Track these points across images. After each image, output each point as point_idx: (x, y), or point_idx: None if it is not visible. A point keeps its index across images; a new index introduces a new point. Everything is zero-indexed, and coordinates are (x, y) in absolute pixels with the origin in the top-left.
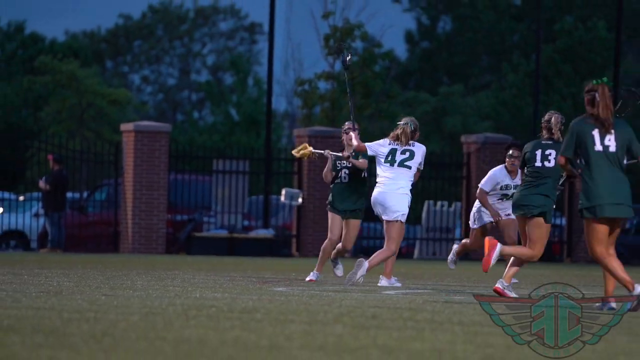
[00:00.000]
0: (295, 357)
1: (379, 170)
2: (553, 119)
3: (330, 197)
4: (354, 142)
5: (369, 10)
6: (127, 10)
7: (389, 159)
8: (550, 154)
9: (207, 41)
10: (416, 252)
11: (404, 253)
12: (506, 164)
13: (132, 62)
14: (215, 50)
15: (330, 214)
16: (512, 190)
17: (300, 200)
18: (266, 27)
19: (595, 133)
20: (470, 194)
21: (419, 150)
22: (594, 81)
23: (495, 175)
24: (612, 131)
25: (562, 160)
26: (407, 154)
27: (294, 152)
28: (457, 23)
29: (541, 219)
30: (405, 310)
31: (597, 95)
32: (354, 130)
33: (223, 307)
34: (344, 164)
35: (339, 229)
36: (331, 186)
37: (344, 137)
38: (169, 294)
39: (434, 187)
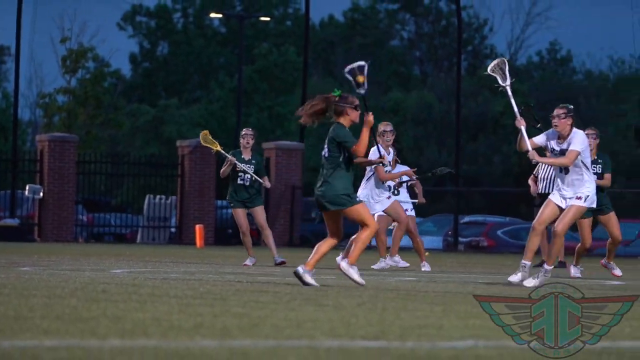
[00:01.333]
0: (37, 325)
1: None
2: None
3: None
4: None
5: (100, 36)
6: None
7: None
8: None
9: None
10: (139, 237)
11: (129, 238)
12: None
13: None
14: None
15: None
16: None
17: (41, 194)
18: (13, 50)
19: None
20: (184, 190)
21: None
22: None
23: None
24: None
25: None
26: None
27: (202, 140)
28: (173, 47)
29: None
30: (130, 286)
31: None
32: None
33: None
34: (245, 168)
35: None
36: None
37: (242, 141)
38: None
39: (154, 183)
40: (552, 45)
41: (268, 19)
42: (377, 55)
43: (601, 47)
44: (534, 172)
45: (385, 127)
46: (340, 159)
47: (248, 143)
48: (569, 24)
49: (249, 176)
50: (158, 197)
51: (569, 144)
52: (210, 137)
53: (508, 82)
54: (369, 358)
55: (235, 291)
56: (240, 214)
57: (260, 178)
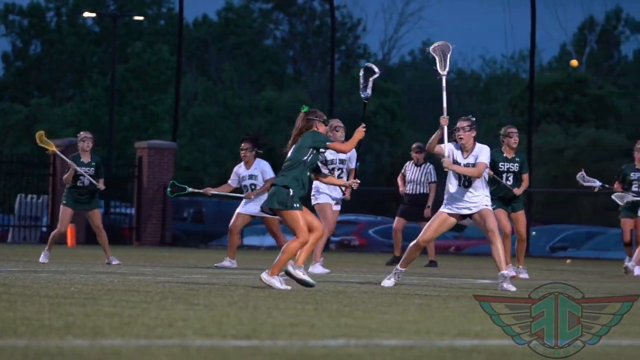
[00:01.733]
0: None
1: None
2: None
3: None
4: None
5: None
6: None
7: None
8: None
9: None
10: (9, 236)
11: (0, 237)
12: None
13: None
14: None
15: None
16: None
17: None
18: None
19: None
20: (56, 189)
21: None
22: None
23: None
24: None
25: None
26: None
27: (38, 141)
28: (46, 45)
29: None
30: (0, 286)
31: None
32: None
33: None
34: (85, 171)
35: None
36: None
37: (82, 144)
38: None
39: (26, 182)
40: (424, 45)
41: (141, 18)
42: (251, 55)
43: (473, 47)
44: (402, 172)
45: (338, 122)
46: (303, 158)
47: (88, 146)
48: (441, 23)
49: (88, 179)
50: (29, 196)
51: (475, 158)
52: (46, 138)
53: (445, 71)
54: (240, 357)
55: (106, 290)
56: (67, 213)
57: (97, 179)
